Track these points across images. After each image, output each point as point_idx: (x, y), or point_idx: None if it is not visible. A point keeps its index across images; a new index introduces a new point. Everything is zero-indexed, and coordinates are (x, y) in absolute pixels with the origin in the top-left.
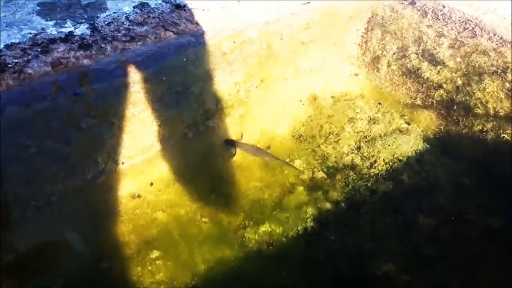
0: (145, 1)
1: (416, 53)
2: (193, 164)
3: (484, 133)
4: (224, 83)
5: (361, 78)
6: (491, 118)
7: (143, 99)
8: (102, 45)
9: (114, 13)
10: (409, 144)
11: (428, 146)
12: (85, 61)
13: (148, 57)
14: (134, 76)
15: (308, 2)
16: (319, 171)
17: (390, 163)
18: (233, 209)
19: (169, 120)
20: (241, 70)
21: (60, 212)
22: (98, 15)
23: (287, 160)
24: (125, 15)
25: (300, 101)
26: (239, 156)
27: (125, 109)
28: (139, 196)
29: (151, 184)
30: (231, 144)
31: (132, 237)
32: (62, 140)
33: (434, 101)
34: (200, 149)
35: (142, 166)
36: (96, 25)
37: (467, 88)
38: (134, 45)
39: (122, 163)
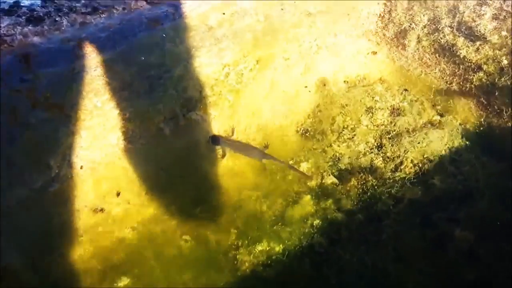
0: None
1: (451, 26)
2: (171, 168)
3: None
4: (210, 65)
5: (381, 58)
6: None
7: (107, 87)
8: (57, 19)
9: None
10: (443, 141)
11: (466, 142)
12: (35, 39)
13: (114, 33)
14: (97, 57)
15: None
16: (330, 175)
17: (420, 165)
18: (223, 225)
19: (140, 112)
20: (232, 49)
21: (1, 231)
22: None
23: (290, 162)
24: None
25: (306, 87)
26: (229, 158)
27: (84, 99)
28: (102, 209)
29: (118, 194)
30: (218, 142)
31: (94, 262)
32: (5, 139)
33: (473, 86)
34: (180, 149)
35: (106, 171)
36: None
37: None
38: (97, 18)
39: (81, 167)
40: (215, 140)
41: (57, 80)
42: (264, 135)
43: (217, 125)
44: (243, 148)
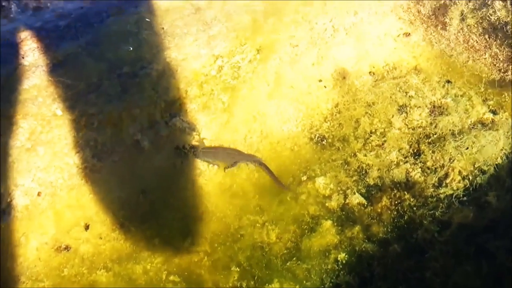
0: None
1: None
2: (152, 191)
3: None
4: (198, 57)
5: (416, 41)
6: None
7: (69, 89)
8: (3, 3)
9: None
10: (498, 146)
11: None
12: None
13: (76, 20)
14: (55, 51)
15: None
16: (355, 193)
17: (470, 177)
18: (220, 262)
19: (111, 120)
20: (225, 36)
21: None
22: None
23: (303, 178)
24: None
25: (320, 81)
26: (226, 174)
27: (40, 107)
28: (67, 247)
29: (87, 227)
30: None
31: None
32: None
33: None
34: (162, 166)
35: (70, 198)
36: None
37: None
38: (54, 1)
39: (39, 193)
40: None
41: (6, 81)
42: (268, 144)
43: (210, 133)
44: (228, 154)
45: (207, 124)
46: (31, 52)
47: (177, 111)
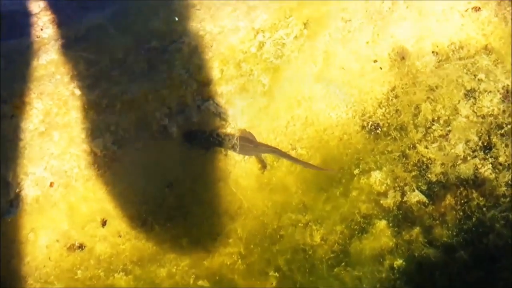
0: None
1: None
2: (179, 184)
3: None
4: (236, 31)
5: (487, 16)
6: None
7: (90, 66)
8: None
9: None
10: None
11: None
12: None
13: None
14: (77, 23)
15: None
16: (415, 190)
17: None
18: (256, 265)
19: (135, 102)
20: (267, 6)
21: None
22: None
23: (355, 171)
24: None
25: (375, 62)
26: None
27: (58, 84)
28: (81, 246)
29: (104, 223)
30: (199, 141)
31: None
32: None
33: None
34: (192, 156)
35: (86, 189)
36: None
37: None
38: None
39: (51, 184)
40: (191, 137)
41: (19, 58)
42: (314, 132)
43: (247, 119)
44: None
45: (244, 109)
46: (50, 24)
47: (211, 93)
